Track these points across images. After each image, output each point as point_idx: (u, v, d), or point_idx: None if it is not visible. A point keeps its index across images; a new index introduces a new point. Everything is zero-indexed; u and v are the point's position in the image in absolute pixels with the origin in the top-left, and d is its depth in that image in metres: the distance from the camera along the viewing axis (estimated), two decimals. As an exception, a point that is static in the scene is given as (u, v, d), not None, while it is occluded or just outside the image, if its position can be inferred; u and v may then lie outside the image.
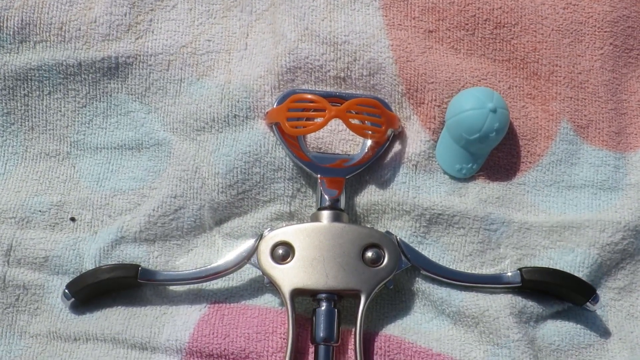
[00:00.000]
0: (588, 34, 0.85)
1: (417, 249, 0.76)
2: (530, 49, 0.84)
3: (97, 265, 0.76)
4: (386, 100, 0.81)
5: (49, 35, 0.82)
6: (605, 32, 0.85)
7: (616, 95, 0.84)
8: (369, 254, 0.73)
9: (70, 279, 0.75)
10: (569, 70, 0.83)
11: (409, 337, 0.73)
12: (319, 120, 0.77)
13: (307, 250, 0.73)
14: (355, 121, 0.78)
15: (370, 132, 0.78)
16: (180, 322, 0.73)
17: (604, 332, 0.77)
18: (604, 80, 0.84)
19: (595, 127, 0.83)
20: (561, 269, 0.76)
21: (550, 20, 0.84)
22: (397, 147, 0.81)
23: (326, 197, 0.76)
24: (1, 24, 0.81)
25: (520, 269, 0.75)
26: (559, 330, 0.76)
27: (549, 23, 0.84)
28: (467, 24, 0.84)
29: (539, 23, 0.84)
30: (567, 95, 0.83)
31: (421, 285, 0.76)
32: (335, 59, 0.81)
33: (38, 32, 0.82)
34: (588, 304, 0.75)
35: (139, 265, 0.74)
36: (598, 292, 0.76)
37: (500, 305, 0.74)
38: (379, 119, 0.78)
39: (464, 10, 0.84)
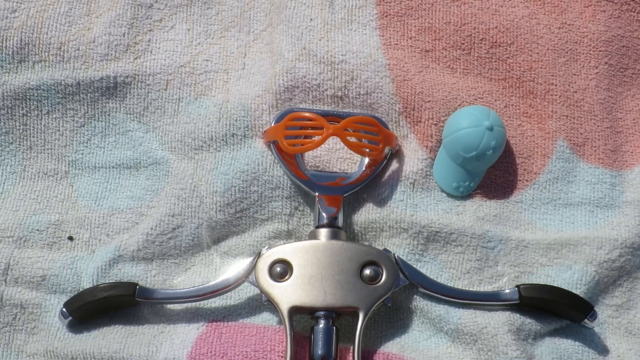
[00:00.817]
0: (583, 53, 0.85)
1: (415, 266, 0.77)
2: (526, 68, 0.84)
3: (95, 284, 0.76)
4: (383, 119, 0.81)
5: (48, 55, 0.82)
6: (600, 51, 0.85)
7: (612, 114, 0.85)
8: (367, 271, 0.73)
9: (68, 298, 0.75)
10: (564, 89, 0.84)
11: (407, 355, 0.73)
12: (316, 138, 0.77)
13: (305, 268, 0.73)
14: (352, 139, 0.78)
15: (367, 150, 0.78)
16: (178, 341, 0.73)
17: (602, 350, 0.77)
18: (599, 99, 0.84)
19: (592, 145, 0.83)
20: (559, 286, 0.76)
21: (545, 39, 0.85)
22: (394, 165, 0.81)
23: (324, 215, 0.76)
24: (0, 44, 0.82)
25: (518, 286, 0.75)
26: (557, 348, 0.75)
27: (545, 42, 0.85)
28: (463, 44, 0.84)
29: (535, 42, 0.85)
30: (563, 114, 0.83)
31: (419, 302, 0.76)
32: (333, 78, 0.81)
33: (37, 52, 0.82)
34: (586, 321, 0.75)
35: (137, 284, 0.74)
36: (596, 309, 0.76)
37: (499, 323, 0.74)
38: (376, 137, 0.78)
39: (460, 30, 0.84)
